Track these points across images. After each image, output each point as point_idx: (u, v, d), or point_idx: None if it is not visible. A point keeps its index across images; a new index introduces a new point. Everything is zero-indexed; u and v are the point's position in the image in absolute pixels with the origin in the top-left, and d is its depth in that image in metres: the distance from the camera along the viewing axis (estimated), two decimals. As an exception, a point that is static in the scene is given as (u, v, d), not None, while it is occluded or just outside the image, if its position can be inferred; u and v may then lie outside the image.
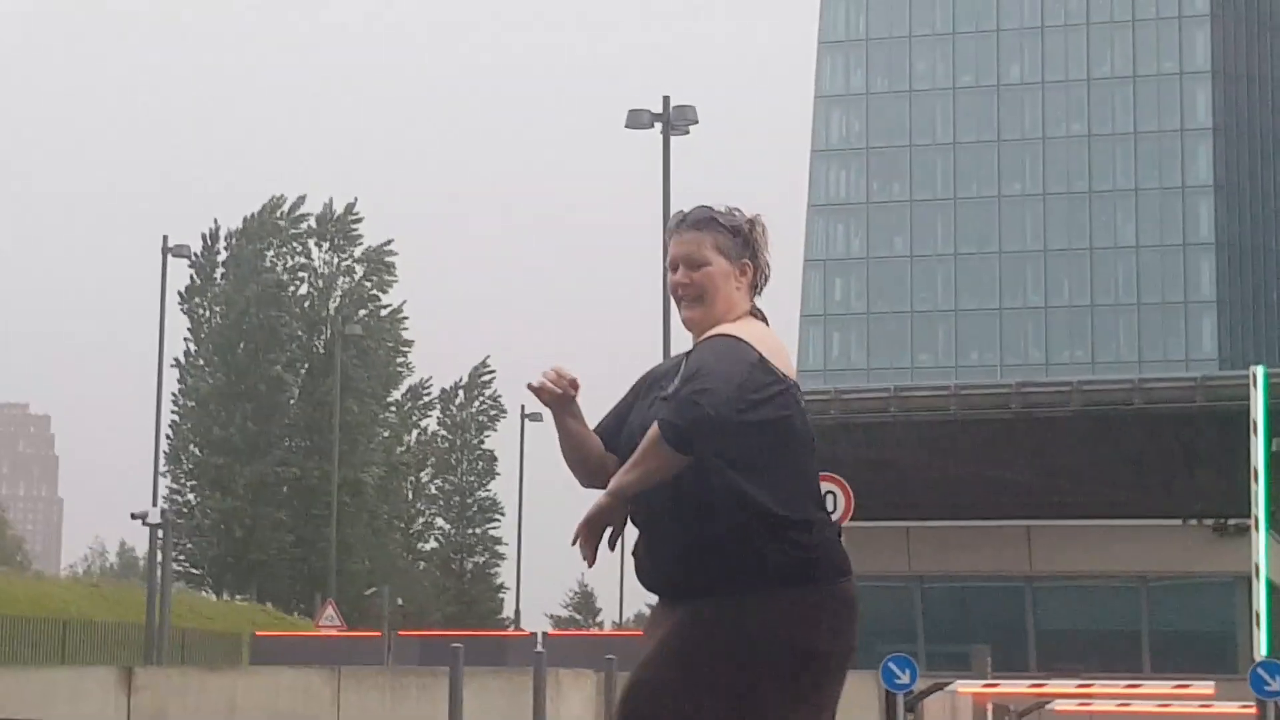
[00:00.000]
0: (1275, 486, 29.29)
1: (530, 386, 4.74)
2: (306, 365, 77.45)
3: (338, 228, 79.86)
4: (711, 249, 4.73)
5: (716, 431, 4.53)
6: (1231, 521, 39.07)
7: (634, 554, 4.82)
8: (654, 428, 4.60)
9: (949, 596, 41.50)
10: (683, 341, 4.99)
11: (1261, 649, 26.94)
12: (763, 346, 4.73)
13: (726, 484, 4.60)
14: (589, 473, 4.88)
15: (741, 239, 4.76)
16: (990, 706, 26.79)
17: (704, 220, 4.75)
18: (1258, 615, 27.39)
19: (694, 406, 4.53)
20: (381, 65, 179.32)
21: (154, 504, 40.87)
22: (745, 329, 4.76)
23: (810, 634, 4.61)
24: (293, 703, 26.31)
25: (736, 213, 4.81)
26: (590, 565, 4.70)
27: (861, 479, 36.28)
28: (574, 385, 4.73)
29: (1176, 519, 40.58)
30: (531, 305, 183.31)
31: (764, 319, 4.86)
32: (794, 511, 4.61)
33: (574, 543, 4.65)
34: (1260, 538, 27.94)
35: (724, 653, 4.58)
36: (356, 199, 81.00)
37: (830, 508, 25.52)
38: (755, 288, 4.85)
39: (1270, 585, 28.80)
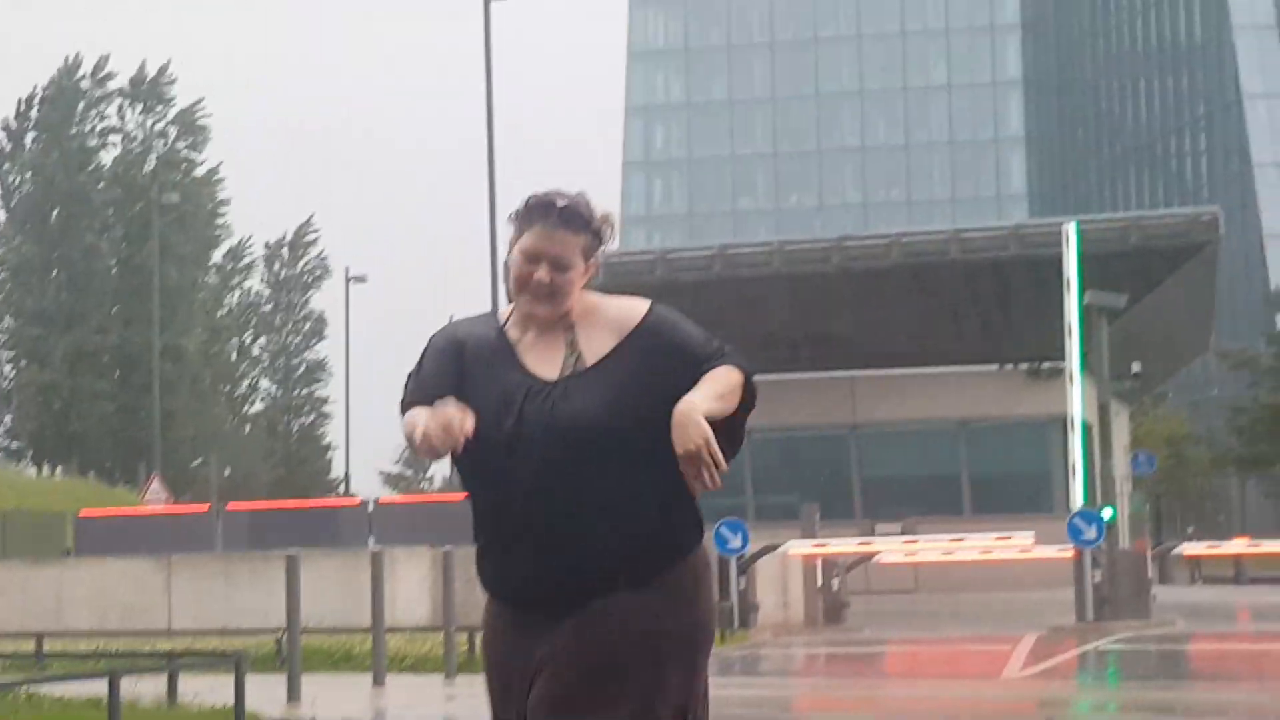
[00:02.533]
0: (1086, 334, 29.92)
1: (417, 448, 4.40)
2: (124, 231, 76.18)
3: (150, 90, 78.31)
4: (578, 253, 4.50)
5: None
6: (1045, 365, 39.94)
7: (491, 566, 4.49)
8: (734, 372, 4.37)
9: (776, 448, 42.06)
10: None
11: (1078, 498, 27.68)
12: None
13: (649, 467, 4.34)
14: None
15: (598, 241, 4.56)
16: (820, 562, 27.33)
17: (578, 221, 4.51)
18: (1073, 466, 28.12)
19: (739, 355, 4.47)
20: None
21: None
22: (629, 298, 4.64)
23: (710, 598, 4.50)
24: (123, 593, 26.21)
25: (596, 210, 4.57)
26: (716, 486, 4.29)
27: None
28: (465, 434, 4.34)
29: (993, 364, 41.42)
30: (355, 165, 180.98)
31: None
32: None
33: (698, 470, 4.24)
34: (1075, 390, 28.60)
35: (650, 644, 4.36)
36: (170, 60, 79.51)
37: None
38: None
39: (1085, 432, 29.52)
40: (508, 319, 4.64)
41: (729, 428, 4.33)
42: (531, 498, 4.35)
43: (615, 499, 4.34)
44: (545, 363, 4.48)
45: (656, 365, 4.41)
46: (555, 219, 4.49)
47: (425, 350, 4.66)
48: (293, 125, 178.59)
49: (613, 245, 4.65)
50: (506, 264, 4.60)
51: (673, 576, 4.39)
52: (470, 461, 4.45)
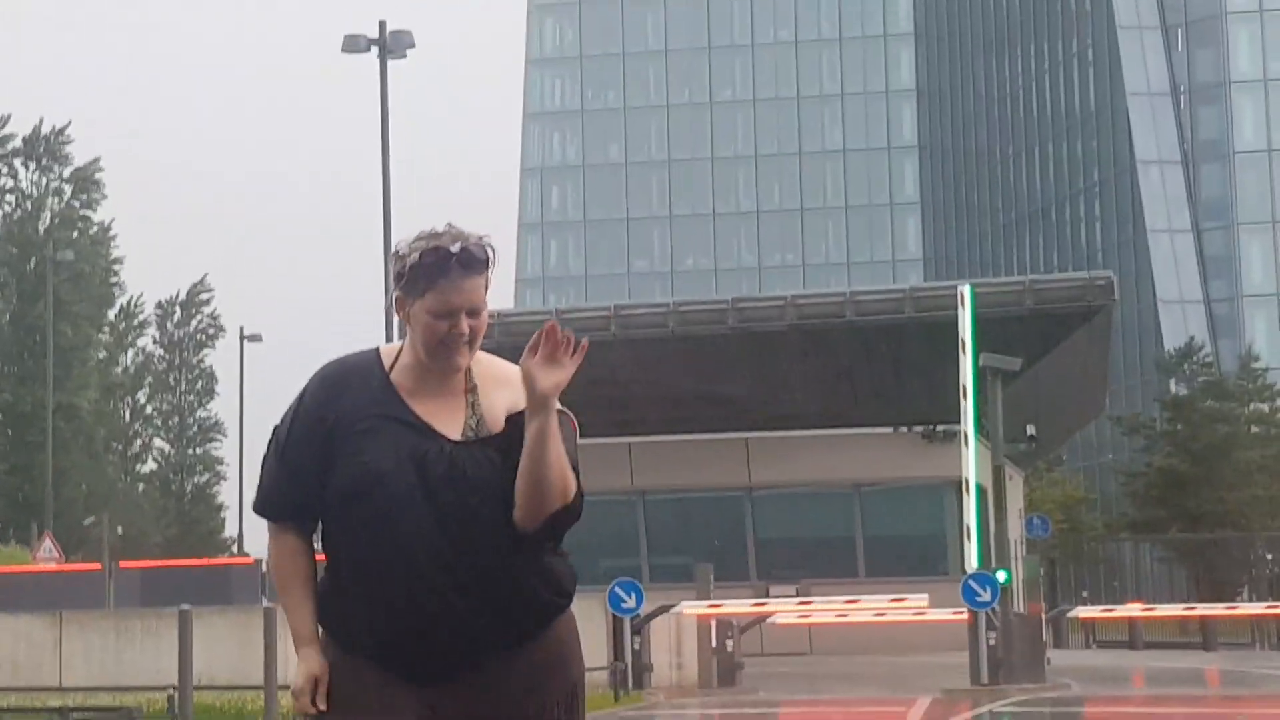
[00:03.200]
0: (981, 397, 30.21)
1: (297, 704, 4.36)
2: (16, 290, 75.47)
3: (46, 148, 77.79)
4: (484, 293, 4.39)
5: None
6: (940, 428, 40.22)
7: (361, 619, 4.31)
8: (569, 478, 4.27)
9: (670, 509, 42.16)
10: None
11: (973, 560, 27.90)
12: None
13: (519, 529, 4.29)
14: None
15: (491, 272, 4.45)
16: (714, 623, 27.37)
17: (477, 264, 4.34)
18: (968, 528, 28.35)
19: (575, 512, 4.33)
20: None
21: None
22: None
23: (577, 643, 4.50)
24: (13, 651, 25.89)
25: (472, 237, 4.38)
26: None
27: (584, 396, 36.74)
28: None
29: (888, 427, 41.67)
30: (249, 225, 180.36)
31: None
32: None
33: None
34: (969, 452, 28.86)
35: (540, 700, 4.36)
36: (70, 121, 79.02)
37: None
38: None
39: (980, 495, 29.78)
40: (394, 362, 4.45)
41: (551, 524, 4.28)
42: (429, 554, 4.24)
43: (507, 561, 4.27)
44: (444, 419, 4.35)
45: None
46: (457, 271, 4.33)
47: (298, 406, 4.43)
48: (188, 185, 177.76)
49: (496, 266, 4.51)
50: (406, 312, 4.41)
51: (554, 634, 4.38)
52: (356, 511, 4.28)
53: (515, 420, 4.32)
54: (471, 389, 4.40)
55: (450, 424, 4.35)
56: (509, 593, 4.30)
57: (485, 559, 4.27)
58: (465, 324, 4.33)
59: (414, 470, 4.27)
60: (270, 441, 4.44)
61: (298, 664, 4.35)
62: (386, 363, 4.46)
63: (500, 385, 4.40)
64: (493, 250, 4.42)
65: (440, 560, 4.25)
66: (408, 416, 4.35)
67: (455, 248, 4.34)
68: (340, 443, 4.32)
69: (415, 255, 4.37)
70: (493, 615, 4.29)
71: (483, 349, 4.46)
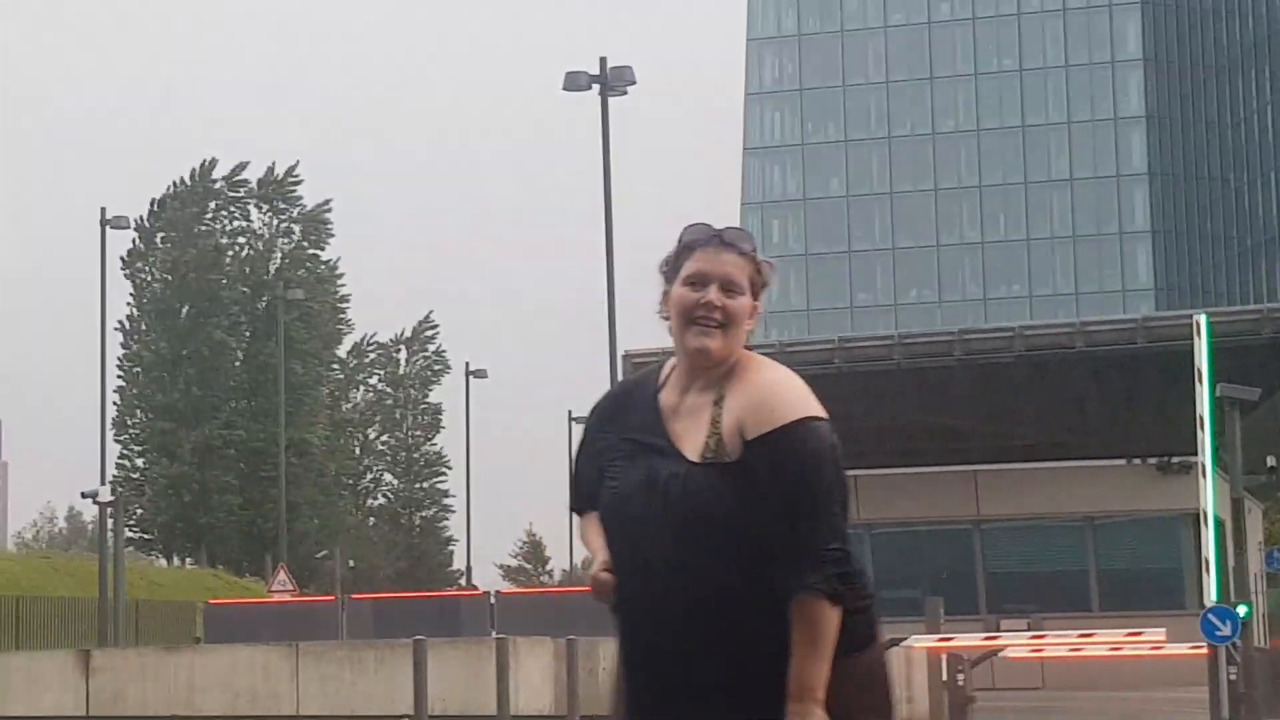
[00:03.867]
0: (1218, 428, 29.58)
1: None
2: (249, 328, 77.24)
3: (277, 190, 79.59)
4: (747, 279, 4.22)
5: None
6: (1175, 460, 39.47)
7: (619, 631, 4.25)
8: (824, 611, 4.01)
9: (898, 543, 41.79)
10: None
11: (1212, 594, 27.27)
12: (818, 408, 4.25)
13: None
14: None
15: (762, 279, 4.29)
16: (945, 656, 27.04)
17: (746, 246, 4.23)
18: (1207, 561, 27.72)
19: (844, 563, 4.07)
20: (316, 24, 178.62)
21: (103, 480, 40.69)
22: (799, 389, 4.26)
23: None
24: (251, 680, 26.39)
25: (752, 238, 4.32)
26: None
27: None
28: None
29: (1121, 459, 40.97)
30: (474, 263, 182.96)
31: None
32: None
33: None
34: (1208, 484, 28.23)
35: None
36: (298, 162, 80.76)
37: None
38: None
39: (1219, 527, 29.12)
40: (666, 379, 4.32)
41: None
42: (668, 573, 4.10)
43: (732, 591, 4.06)
44: (687, 434, 4.17)
45: (764, 489, 4.06)
46: (718, 242, 4.22)
47: (585, 429, 4.48)
48: (413, 223, 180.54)
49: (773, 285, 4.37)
50: (665, 315, 4.28)
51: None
52: (610, 532, 4.28)
53: (754, 448, 4.09)
54: (719, 400, 4.17)
55: (692, 443, 4.17)
56: (729, 629, 4.06)
57: (708, 587, 4.07)
58: (718, 295, 4.17)
59: (650, 493, 4.16)
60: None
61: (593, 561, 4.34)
62: (662, 378, 4.37)
63: (747, 402, 4.16)
64: (764, 262, 4.33)
65: (676, 582, 4.10)
66: (659, 438, 4.22)
67: (721, 226, 4.30)
68: (606, 465, 4.32)
69: (681, 234, 4.32)
70: (715, 655, 4.07)
71: None
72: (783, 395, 4.17)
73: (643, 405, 4.29)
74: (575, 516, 4.53)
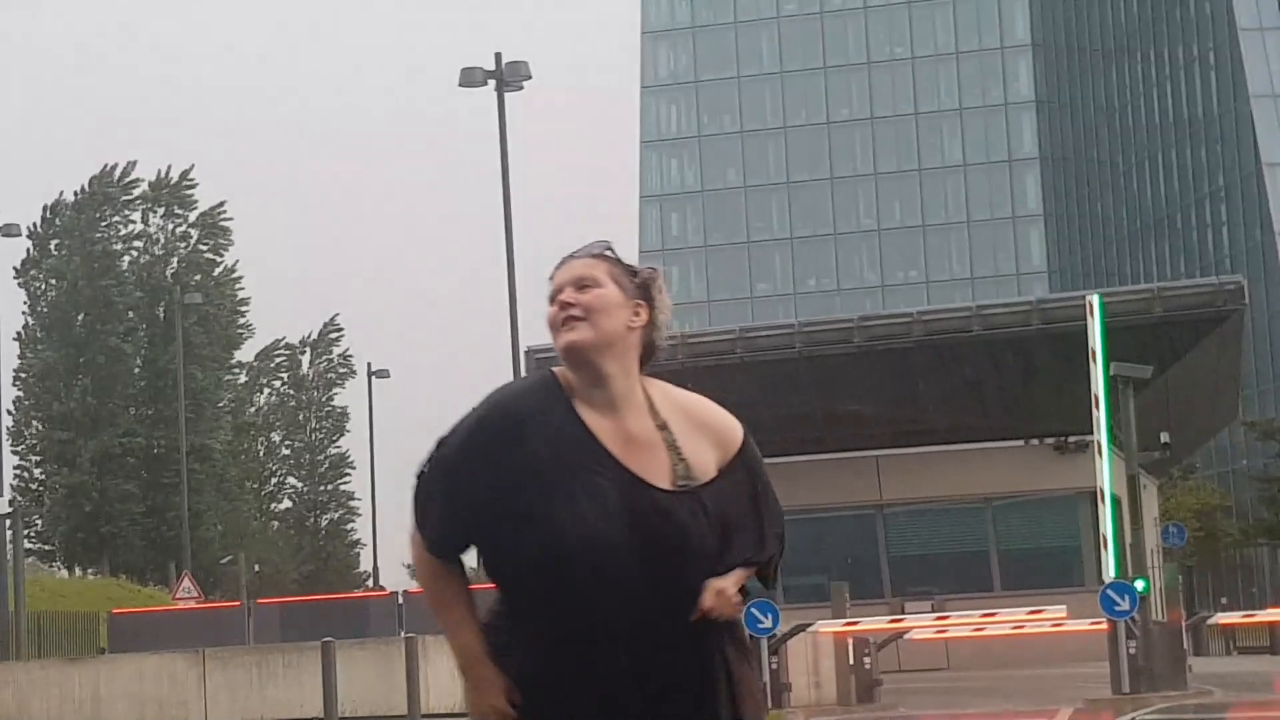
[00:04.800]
0: (1113, 406, 29.94)
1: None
2: (147, 334, 76.59)
3: (172, 194, 78.93)
4: (604, 274, 4.10)
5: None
6: (1071, 439, 39.91)
7: (557, 670, 4.01)
8: (772, 565, 4.22)
9: (803, 529, 41.85)
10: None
11: (1110, 570, 27.64)
12: None
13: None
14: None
15: (640, 281, 4.15)
16: (851, 640, 27.26)
17: (595, 249, 4.17)
18: (1104, 538, 28.09)
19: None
20: (200, 27, 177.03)
21: (0, 492, 40.25)
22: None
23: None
24: (158, 688, 26.26)
25: (636, 265, 4.21)
26: None
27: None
28: None
29: (1019, 440, 41.39)
30: (375, 263, 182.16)
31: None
32: None
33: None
34: (1103, 462, 28.60)
35: None
36: (193, 165, 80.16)
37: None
38: (647, 343, 4.17)
39: (1115, 504, 29.50)
40: (567, 402, 4.10)
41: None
42: (637, 625, 3.96)
43: (706, 632, 4.00)
44: (647, 463, 4.02)
45: (740, 498, 4.11)
46: (573, 256, 4.19)
47: (468, 440, 4.08)
48: (310, 223, 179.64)
49: (664, 300, 4.22)
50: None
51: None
52: (547, 582, 3.96)
53: (726, 472, 4.08)
54: (662, 425, 4.07)
55: (656, 470, 4.03)
56: (700, 646, 4.04)
57: (690, 608, 3.97)
58: (571, 295, 4.09)
59: (631, 520, 3.97)
60: (430, 470, 4.11)
61: (471, 683, 4.07)
62: (566, 392, 4.13)
63: (699, 428, 4.10)
64: (645, 272, 4.21)
65: (656, 606, 3.98)
66: (602, 455, 4.01)
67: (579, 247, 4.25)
68: (525, 497, 3.98)
69: None
70: (689, 673, 4.04)
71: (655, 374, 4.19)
72: (718, 411, 4.19)
73: (562, 429, 4.04)
74: (423, 560, 4.12)
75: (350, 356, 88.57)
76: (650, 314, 4.15)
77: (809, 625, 26.29)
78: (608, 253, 4.19)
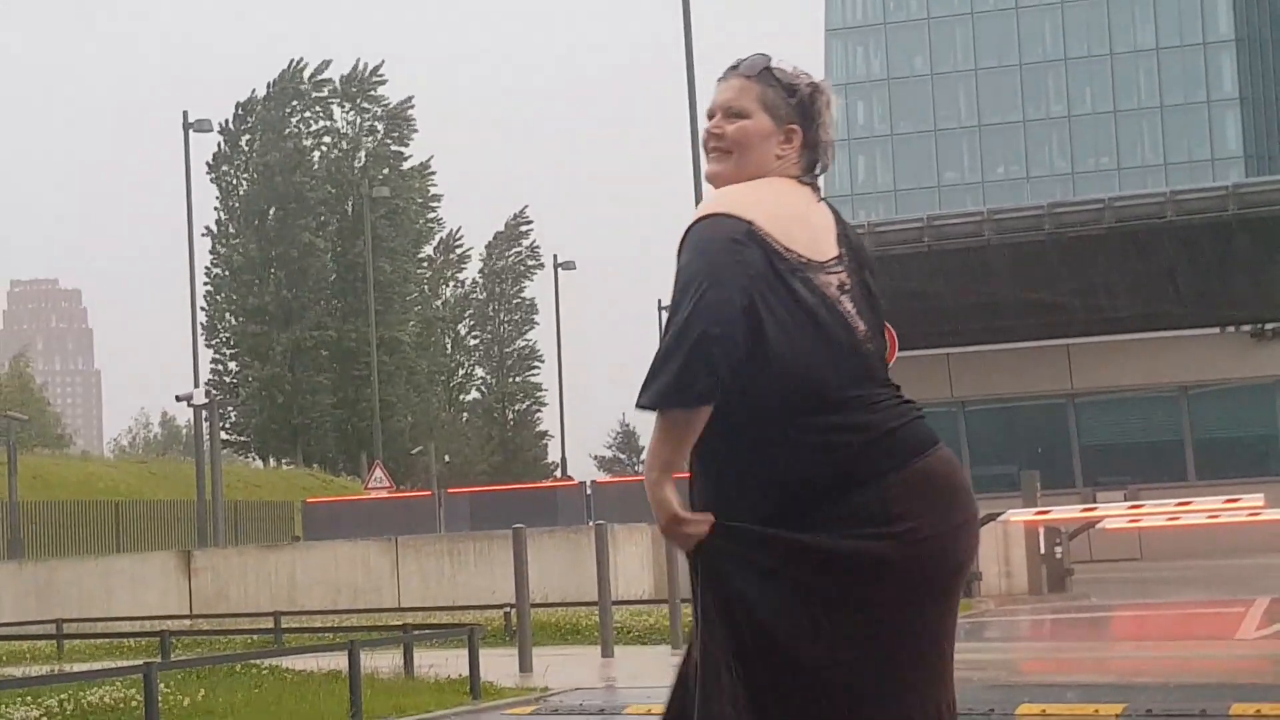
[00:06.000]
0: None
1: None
2: (336, 228, 77.52)
3: (359, 89, 79.57)
4: (755, 101, 4.11)
5: None
6: (1269, 326, 39.11)
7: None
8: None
9: (993, 418, 41.66)
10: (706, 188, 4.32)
11: (1308, 458, 27.08)
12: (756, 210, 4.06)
13: None
14: None
15: (797, 100, 4.13)
16: (1042, 530, 27.00)
17: (755, 68, 4.14)
18: (1303, 425, 27.50)
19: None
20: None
21: (195, 384, 40.95)
22: (738, 189, 4.13)
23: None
24: (352, 575, 26.68)
25: (798, 75, 4.17)
26: None
27: (901, 310, 36.36)
28: None
29: (1214, 328, 40.62)
30: (560, 156, 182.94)
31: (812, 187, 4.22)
32: None
33: None
34: (1302, 348, 27.97)
35: None
36: (383, 60, 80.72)
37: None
38: (809, 162, 4.19)
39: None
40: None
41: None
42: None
43: None
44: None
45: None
46: (734, 69, 4.19)
47: (711, 250, 3.97)
48: (497, 117, 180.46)
49: (826, 116, 4.21)
50: None
51: None
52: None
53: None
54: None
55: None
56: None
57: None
58: (718, 124, 4.15)
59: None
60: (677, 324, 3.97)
61: (667, 498, 3.99)
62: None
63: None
64: (802, 82, 4.19)
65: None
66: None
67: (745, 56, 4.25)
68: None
69: None
70: None
71: None
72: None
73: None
74: (683, 409, 3.94)
75: (538, 248, 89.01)
76: (807, 135, 4.17)
77: (999, 514, 26.05)
78: (765, 70, 4.17)
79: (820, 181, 4.27)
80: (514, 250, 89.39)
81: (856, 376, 4.09)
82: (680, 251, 4.02)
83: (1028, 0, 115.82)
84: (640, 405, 3.96)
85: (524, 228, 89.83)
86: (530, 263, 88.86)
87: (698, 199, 35.62)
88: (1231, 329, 40.63)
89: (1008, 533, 26.92)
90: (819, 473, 4.00)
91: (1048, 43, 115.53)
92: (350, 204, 76.61)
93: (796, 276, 4.02)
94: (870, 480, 4.02)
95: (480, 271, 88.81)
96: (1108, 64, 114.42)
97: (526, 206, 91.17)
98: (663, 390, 3.92)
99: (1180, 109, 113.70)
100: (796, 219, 4.07)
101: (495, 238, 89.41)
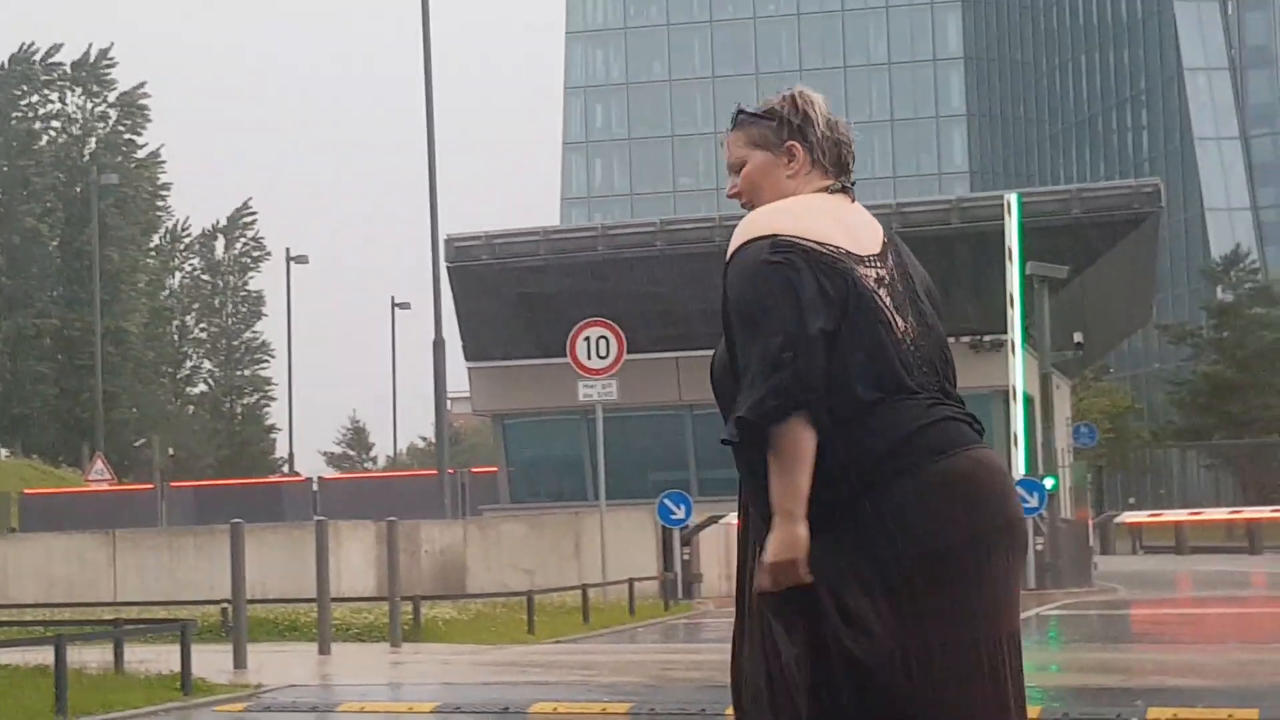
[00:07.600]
0: (1028, 306, 30.13)
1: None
2: (65, 215, 75.78)
3: (91, 73, 77.91)
4: (746, 145, 4.29)
5: None
6: (987, 338, 40.14)
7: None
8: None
9: (719, 423, 42.14)
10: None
11: (1020, 467, 27.91)
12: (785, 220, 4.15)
13: None
14: None
15: (779, 121, 4.29)
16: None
17: (734, 120, 4.35)
18: (1016, 436, 28.34)
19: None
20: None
21: (-88, 369, 39.78)
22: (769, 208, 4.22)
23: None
24: (68, 568, 26.16)
25: (772, 98, 4.35)
26: None
27: (632, 311, 36.65)
28: None
29: (935, 338, 41.52)
30: (294, 148, 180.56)
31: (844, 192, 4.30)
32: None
33: None
34: (1017, 360, 28.83)
35: None
36: (112, 44, 79.14)
37: (603, 353, 25.84)
38: (830, 163, 4.29)
39: (1028, 403, 29.77)
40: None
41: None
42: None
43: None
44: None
45: None
46: (728, 130, 4.39)
47: (797, 276, 4.02)
48: (232, 109, 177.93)
49: (811, 114, 4.33)
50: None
51: None
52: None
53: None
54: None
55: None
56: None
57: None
58: (731, 183, 4.36)
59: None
60: (759, 331, 4.11)
61: (788, 537, 3.93)
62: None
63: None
64: (784, 104, 4.33)
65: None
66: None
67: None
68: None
69: None
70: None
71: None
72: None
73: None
74: (776, 422, 4.04)
75: (263, 240, 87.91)
76: (804, 143, 4.29)
77: (722, 517, 26.45)
78: (742, 116, 4.37)
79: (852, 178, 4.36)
80: (239, 242, 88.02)
81: (890, 376, 4.11)
82: (727, 283, 4.17)
83: (765, 11, 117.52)
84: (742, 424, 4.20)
85: (248, 218, 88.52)
86: (256, 254, 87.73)
87: (434, 203, 35.44)
88: (951, 340, 41.58)
89: (729, 535, 27.32)
90: (845, 483, 4.00)
91: (784, 53, 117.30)
92: (78, 190, 74.98)
93: (836, 268, 4.07)
94: (891, 481, 4.00)
95: (202, 263, 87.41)
96: (841, 76, 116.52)
97: (250, 198, 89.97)
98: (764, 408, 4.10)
99: (910, 123, 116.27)
100: (825, 215, 4.15)
101: (213, 228, 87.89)
